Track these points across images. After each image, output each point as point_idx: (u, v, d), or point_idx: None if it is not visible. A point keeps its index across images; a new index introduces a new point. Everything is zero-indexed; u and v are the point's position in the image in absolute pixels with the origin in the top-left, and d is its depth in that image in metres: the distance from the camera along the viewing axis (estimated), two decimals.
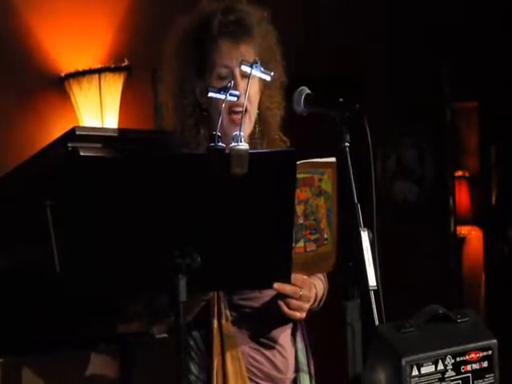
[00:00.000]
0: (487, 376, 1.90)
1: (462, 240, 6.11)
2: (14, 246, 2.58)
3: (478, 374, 1.88)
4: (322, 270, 2.32)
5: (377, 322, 1.92)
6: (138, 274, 1.95)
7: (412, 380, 1.81)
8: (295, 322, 2.34)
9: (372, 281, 1.92)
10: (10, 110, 4.09)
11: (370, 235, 1.97)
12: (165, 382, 2.37)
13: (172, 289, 1.90)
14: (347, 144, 2.02)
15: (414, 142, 5.41)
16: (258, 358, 2.30)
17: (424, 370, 1.82)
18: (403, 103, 5.23)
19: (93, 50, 4.27)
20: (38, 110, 4.16)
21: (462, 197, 6.21)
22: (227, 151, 1.88)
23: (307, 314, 2.26)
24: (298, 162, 1.97)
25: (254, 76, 2.12)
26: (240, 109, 2.16)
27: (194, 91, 2.31)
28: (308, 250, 2.14)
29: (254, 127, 2.34)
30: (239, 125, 2.07)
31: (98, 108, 4.12)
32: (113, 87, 4.15)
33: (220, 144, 1.91)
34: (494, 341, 1.90)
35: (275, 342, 2.32)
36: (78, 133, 2.39)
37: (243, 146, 1.89)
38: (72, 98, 4.15)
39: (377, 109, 4.33)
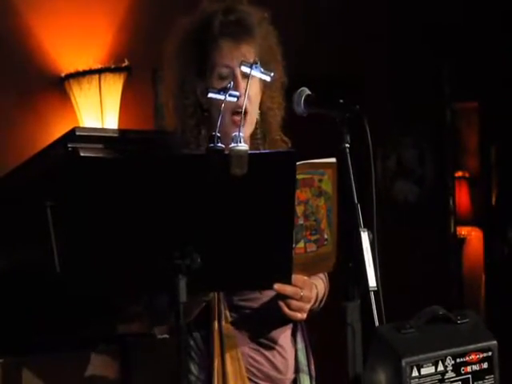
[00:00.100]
0: (487, 377, 1.90)
1: (462, 241, 6.11)
2: (14, 246, 2.58)
3: (478, 375, 1.88)
4: (322, 271, 2.32)
5: (377, 323, 1.92)
6: (138, 274, 1.95)
7: (412, 381, 1.81)
8: (295, 323, 2.33)
9: (372, 281, 1.92)
10: (10, 110, 4.08)
11: (370, 236, 1.97)
12: (165, 382, 2.37)
13: (172, 289, 1.90)
14: (347, 145, 2.02)
15: (414, 142, 5.41)
16: (258, 358, 2.30)
17: (424, 371, 1.82)
18: (403, 103, 5.23)
19: (93, 50, 4.27)
20: (38, 110, 4.16)
21: (462, 197, 6.21)
22: (227, 152, 1.88)
23: (308, 315, 2.26)
24: (297, 163, 1.97)
25: (254, 76, 2.12)
26: (240, 110, 2.17)
27: (194, 91, 2.31)
28: (308, 250, 2.14)
29: (255, 128, 2.34)
30: (243, 125, 2.08)
31: (98, 108, 4.12)
32: (113, 87, 4.15)
33: (219, 145, 1.91)
34: (494, 342, 1.90)
35: (275, 342, 2.31)
36: (78, 133, 2.39)
37: (243, 146, 1.89)
38: (72, 98, 4.15)
39: (377, 109, 4.34)
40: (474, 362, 1.88)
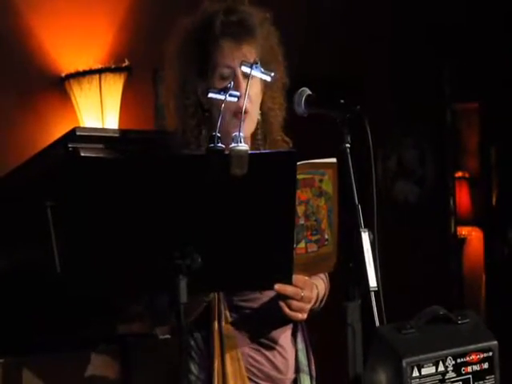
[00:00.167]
0: (488, 377, 1.90)
1: (462, 241, 6.11)
2: (14, 246, 2.58)
3: (479, 375, 1.88)
4: (323, 271, 2.32)
5: (377, 323, 1.92)
6: (139, 274, 1.95)
7: (413, 381, 1.81)
8: (296, 323, 2.33)
9: (373, 281, 1.92)
10: (10, 110, 4.08)
11: (371, 236, 1.97)
12: (165, 382, 2.37)
13: (172, 290, 1.90)
14: (348, 145, 2.02)
15: (414, 142, 5.41)
16: (258, 358, 2.30)
17: (425, 371, 1.82)
18: (404, 104, 5.23)
19: (93, 50, 4.27)
20: (38, 110, 4.16)
21: (463, 198, 6.21)
22: (227, 152, 1.88)
23: (308, 315, 2.26)
24: (298, 163, 1.97)
25: (255, 76, 2.12)
26: (240, 111, 2.17)
27: (195, 91, 2.31)
28: (309, 250, 2.14)
29: (256, 128, 2.33)
30: (243, 125, 2.08)
31: (99, 108, 4.12)
32: (113, 87, 4.15)
33: (220, 145, 1.91)
34: (495, 342, 1.90)
35: (275, 342, 2.31)
36: (78, 133, 2.39)
37: (243, 146, 1.89)
38: (72, 98, 4.15)
39: (378, 109, 4.33)
40: (475, 362, 1.88)
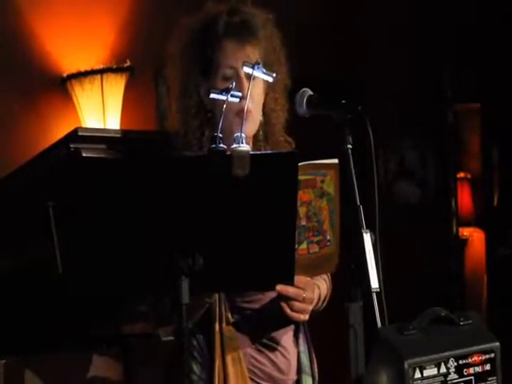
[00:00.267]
0: (490, 379, 1.89)
1: (464, 242, 6.11)
2: (16, 246, 2.58)
3: (481, 376, 1.88)
4: (325, 271, 2.32)
5: (379, 324, 1.91)
6: (140, 275, 1.95)
7: (414, 383, 1.80)
8: (298, 324, 2.33)
9: (374, 283, 1.92)
10: (12, 110, 4.09)
11: (373, 237, 1.96)
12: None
13: (175, 290, 1.89)
14: (349, 146, 2.02)
15: (415, 143, 5.41)
16: (260, 358, 2.30)
17: (426, 373, 1.82)
18: (405, 104, 5.22)
19: (95, 50, 4.27)
20: (40, 110, 4.16)
21: (464, 198, 6.21)
22: (229, 153, 1.88)
23: (310, 315, 2.26)
24: (299, 164, 1.97)
25: (258, 77, 2.12)
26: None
27: (198, 92, 2.31)
28: (311, 251, 2.14)
29: (258, 129, 2.33)
30: (245, 125, 2.08)
31: (100, 109, 4.12)
32: (115, 88, 4.15)
33: (221, 145, 1.91)
34: (497, 344, 1.90)
35: (277, 343, 2.31)
36: (80, 134, 2.39)
37: (244, 147, 1.89)
38: (74, 98, 4.15)
39: (378, 110, 4.33)
40: (477, 363, 1.87)
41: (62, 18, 4.20)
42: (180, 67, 2.32)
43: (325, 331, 3.13)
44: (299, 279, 2.14)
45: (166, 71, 2.38)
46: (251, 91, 2.10)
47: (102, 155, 2.34)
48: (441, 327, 1.90)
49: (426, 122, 5.32)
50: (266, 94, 2.34)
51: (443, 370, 1.84)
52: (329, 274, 2.38)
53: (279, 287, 2.14)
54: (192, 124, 2.30)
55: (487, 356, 1.89)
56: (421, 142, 5.40)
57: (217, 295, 2.21)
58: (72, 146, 2.36)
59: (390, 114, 5.09)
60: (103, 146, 2.38)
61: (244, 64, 2.10)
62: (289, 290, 2.16)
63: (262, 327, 2.29)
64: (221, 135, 1.93)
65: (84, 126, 4.04)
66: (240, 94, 2.07)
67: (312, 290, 2.22)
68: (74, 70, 4.15)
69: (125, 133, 2.68)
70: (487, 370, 1.89)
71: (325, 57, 4.92)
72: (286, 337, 2.33)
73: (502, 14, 5.38)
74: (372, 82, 5.05)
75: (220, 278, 1.99)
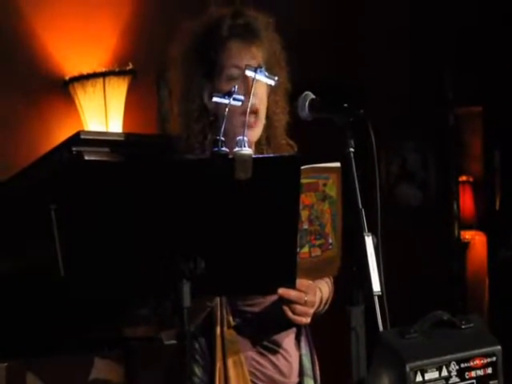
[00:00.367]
0: (491, 382, 1.89)
1: (465, 245, 6.11)
2: (18, 248, 2.58)
3: (483, 380, 1.88)
4: (327, 275, 2.32)
5: (381, 328, 1.92)
6: (142, 278, 1.95)
7: None
8: (299, 327, 2.34)
9: (376, 286, 1.92)
10: (14, 113, 4.09)
11: (375, 240, 1.96)
12: None
13: (176, 294, 1.89)
14: (352, 149, 2.02)
15: (417, 146, 5.40)
16: (262, 361, 2.30)
17: (428, 376, 1.82)
18: (407, 108, 5.22)
19: (97, 53, 4.27)
20: (42, 113, 4.16)
21: (466, 201, 6.21)
22: (231, 156, 1.88)
23: (312, 318, 2.26)
24: (302, 167, 1.97)
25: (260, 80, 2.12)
26: (252, 109, 2.20)
27: (201, 95, 2.30)
28: (313, 255, 2.14)
29: (261, 132, 2.34)
30: (253, 127, 2.10)
31: (103, 112, 4.12)
32: (117, 91, 4.15)
33: (224, 149, 1.91)
34: (499, 347, 1.90)
35: (279, 346, 2.32)
36: (82, 137, 2.39)
37: (247, 150, 1.89)
38: (76, 101, 4.15)
39: (380, 113, 4.33)
40: (479, 367, 1.87)
41: (65, 20, 4.20)
42: (182, 70, 2.33)
43: (326, 334, 3.13)
44: (301, 282, 2.14)
45: (169, 74, 2.39)
46: (257, 90, 2.11)
47: (104, 158, 2.34)
48: (442, 330, 1.90)
49: (427, 125, 5.32)
50: (268, 97, 2.34)
51: (445, 373, 1.84)
52: (331, 277, 2.38)
53: (281, 290, 2.14)
54: (194, 128, 2.30)
55: (489, 359, 1.89)
56: (422, 144, 5.40)
57: (218, 299, 2.22)
58: (74, 149, 2.36)
59: (391, 117, 5.09)
60: (105, 149, 2.38)
61: (246, 68, 2.11)
62: (291, 293, 2.16)
63: (263, 330, 2.29)
64: (223, 138, 1.93)
65: (86, 128, 4.05)
66: (242, 97, 2.08)
67: (314, 293, 2.23)
68: (76, 73, 4.15)
69: (127, 136, 2.69)
70: (489, 374, 1.89)
71: (326, 61, 4.92)
72: (288, 339, 2.34)
73: (502, 16, 5.38)
74: (373, 86, 5.06)
75: (222, 282, 1.99)
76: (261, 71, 2.09)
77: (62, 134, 3.94)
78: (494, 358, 1.89)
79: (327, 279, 2.37)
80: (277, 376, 2.31)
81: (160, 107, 4.25)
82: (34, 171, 2.48)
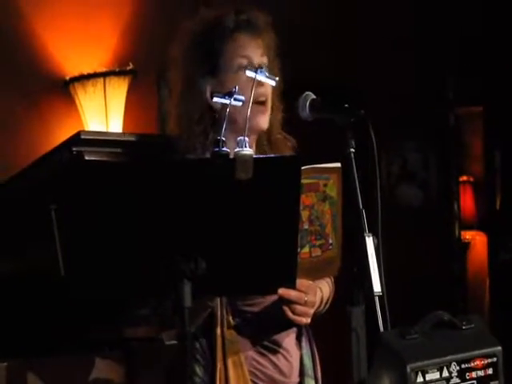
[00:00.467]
0: (492, 383, 1.89)
1: (466, 245, 6.10)
2: (18, 249, 2.58)
3: (483, 381, 1.88)
4: (327, 275, 2.33)
5: (381, 328, 1.91)
6: (143, 278, 1.95)
7: None
8: (300, 327, 2.34)
9: (377, 286, 1.92)
10: (15, 113, 4.09)
11: (375, 240, 1.96)
12: None
13: (177, 294, 1.89)
14: (352, 150, 2.02)
15: (417, 146, 5.40)
16: (262, 361, 2.30)
17: (429, 377, 1.82)
18: (407, 108, 5.22)
19: (97, 53, 4.27)
20: (42, 113, 4.16)
21: (467, 202, 6.21)
22: (232, 156, 1.88)
23: (312, 318, 2.26)
24: (302, 168, 1.97)
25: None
26: (263, 98, 2.25)
27: (202, 95, 2.30)
28: (313, 255, 2.14)
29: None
30: (264, 115, 2.19)
31: (103, 112, 4.12)
32: (118, 91, 4.15)
33: (224, 149, 1.91)
34: (499, 348, 1.90)
35: (279, 345, 2.32)
36: (82, 137, 2.39)
37: (248, 150, 1.89)
38: (77, 101, 4.15)
39: (380, 113, 4.33)
40: (479, 367, 1.87)
41: (65, 20, 4.20)
42: (183, 70, 2.32)
43: (327, 335, 3.13)
44: (301, 283, 2.14)
45: (169, 74, 2.38)
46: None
47: (104, 158, 2.34)
48: (443, 331, 1.90)
49: (428, 125, 5.32)
50: None
51: (445, 374, 1.84)
52: (331, 278, 2.38)
53: (281, 291, 2.14)
54: (195, 128, 2.30)
55: (489, 360, 1.89)
56: (423, 145, 5.40)
57: (218, 298, 2.22)
58: (75, 149, 2.36)
59: (392, 117, 5.09)
60: (106, 150, 2.38)
61: (247, 68, 2.11)
62: (291, 293, 2.16)
63: (263, 330, 2.29)
64: (224, 138, 1.93)
65: (86, 128, 4.04)
66: (243, 97, 2.07)
67: (314, 294, 2.23)
68: (76, 73, 4.15)
69: (127, 136, 2.68)
70: (489, 374, 1.89)
71: (327, 60, 4.92)
72: (288, 339, 2.34)
73: (505, 16, 5.38)
74: (374, 86, 5.05)
75: (222, 282, 1.99)
76: (261, 71, 2.10)
77: (62, 133, 3.94)
78: (495, 359, 1.89)
79: (328, 279, 2.37)
80: (277, 376, 2.31)
81: (160, 107, 4.25)
82: (34, 171, 2.48)
